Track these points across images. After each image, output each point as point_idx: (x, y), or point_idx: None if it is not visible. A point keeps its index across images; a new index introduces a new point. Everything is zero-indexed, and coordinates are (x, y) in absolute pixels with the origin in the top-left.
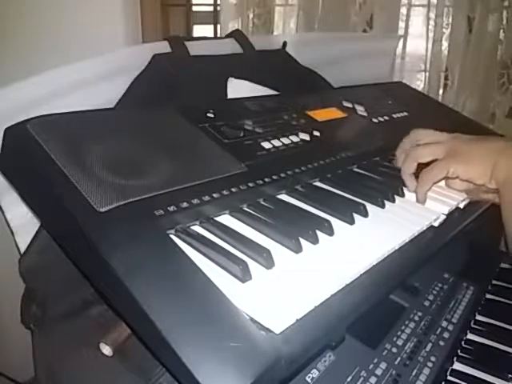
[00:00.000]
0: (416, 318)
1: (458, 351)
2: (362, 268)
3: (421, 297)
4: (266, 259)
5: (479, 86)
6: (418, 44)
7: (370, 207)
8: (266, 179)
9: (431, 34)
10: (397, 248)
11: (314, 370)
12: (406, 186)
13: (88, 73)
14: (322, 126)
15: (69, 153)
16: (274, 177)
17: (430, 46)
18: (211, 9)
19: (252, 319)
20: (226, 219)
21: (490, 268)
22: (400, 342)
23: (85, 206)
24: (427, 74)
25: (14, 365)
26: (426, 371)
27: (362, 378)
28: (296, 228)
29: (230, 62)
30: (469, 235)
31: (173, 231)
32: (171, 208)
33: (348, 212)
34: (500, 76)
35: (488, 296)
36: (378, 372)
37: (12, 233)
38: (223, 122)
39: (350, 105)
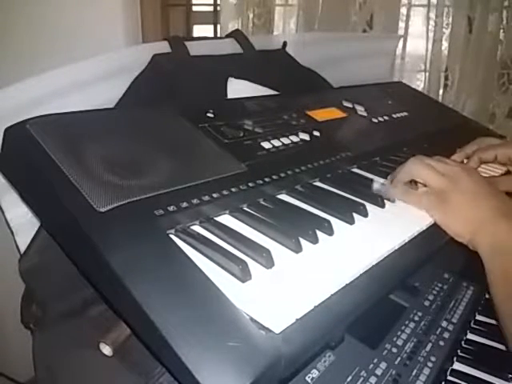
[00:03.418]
0: (416, 318)
1: (458, 351)
2: (362, 268)
3: (421, 297)
4: (266, 259)
5: (479, 86)
6: (418, 44)
7: (369, 207)
8: (266, 179)
9: (431, 34)
10: (397, 248)
11: (314, 370)
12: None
13: (88, 73)
14: (322, 126)
15: (69, 153)
16: (274, 177)
17: (429, 46)
18: (211, 9)
19: (252, 319)
20: (226, 219)
21: None
22: (400, 342)
23: (85, 206)
24: (427, 74)
25: (14, 365)
26: (426, 371)
27: (361, 378)
28: (296, 228)
29: (230, 62)
30: None
31: (173, 231)
32: (171, 208)
33: (348, 212)
34: (500, 76)
35: (488, 296)
36: (378, 372)
37: (12, 233)
38: (223, 122)
39: (350, 105)
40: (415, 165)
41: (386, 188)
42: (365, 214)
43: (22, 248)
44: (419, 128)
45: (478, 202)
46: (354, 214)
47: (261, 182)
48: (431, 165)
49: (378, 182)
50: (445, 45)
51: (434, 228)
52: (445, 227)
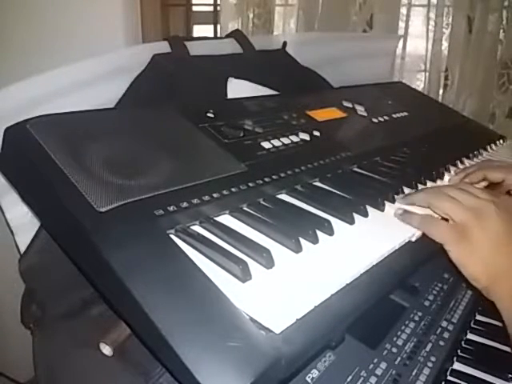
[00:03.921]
0: (416, 318)
1: (458, 351)
2: (362, 268)
3: (421, 297)
4: (266, 259)
5: (479, 86)
6: (418, 44)
7: (370, 207)
8: (266, 179)
9: (431, 34)
10: (397, 248)
11: (314, 370)
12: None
13: (88, 73)
14: (322, 126)
15: (69, 153)
16: (274, 177)
17: (429, 46)
18: (211, 9)
19: (252, 319)
20: (225, 219)
21: None
22: (400, 342)
23: (85, 206)
24: (427, 74)
25: (14, 365)
26: (426, 371)
27: (362, 378)
28: (296, 228)
29: (230, 62)
30: None
31: (173, 231)
32: (171, 208)
33: (348, 212)
34: (500, 76)
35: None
36: (378, 372)
37: (12, 233)
38: (223, 122)
39: (350, 105)
40: (436, 195)
41: (403, 213)
42: (365, 214)
43: (22, 248)
44: (419, 128)
45: (502, 245)
46: (354, 214)
47: (261, 182)
48: (454, 197)
49: (400, 209)
50: (445, 45)
51: None
52: (460, 266)
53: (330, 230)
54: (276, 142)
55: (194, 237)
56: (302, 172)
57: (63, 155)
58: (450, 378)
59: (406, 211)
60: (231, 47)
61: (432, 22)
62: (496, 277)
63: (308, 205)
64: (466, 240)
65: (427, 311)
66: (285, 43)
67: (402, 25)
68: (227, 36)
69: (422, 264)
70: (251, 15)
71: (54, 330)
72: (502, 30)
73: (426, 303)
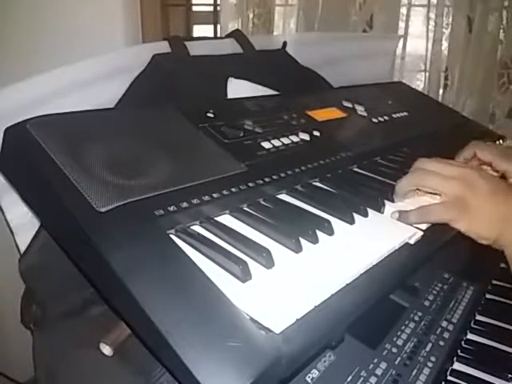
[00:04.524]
0: (416, 318)
1: (458, 351)
2: (362, 268)
3: (421, 297)
4: (266, 259)
5: (479, 86)
6: (418, 44)
7: (369, 207)
8: (266, 179)
9: (431, 34)
10: (397, 248)
11: (314, 370)
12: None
13: (88, 73)
14: (322, 126)
15: (69, 153)
16: (274, 177)
17: (429, 46)
18: (211, 9)
19: (252, 319)
20: (226, 219)
21: (490, 268)
22: (400, 342)
23: (85, 206)
24: (427, 74)
25: (14, 365)
26: (426, 371)
27: (361, 378)
28: (296, 228)
29: (230, 62)
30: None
31: (173, 231)
32: (171, 208)
33: (348, 212)
34: (500, 76)
35: (488, 296)
36: (378, 372)
37: (12, 233)
38: (223, 122)
39: (350, 105)
40: (419, 175)
41: (399, 215)
42: (365, 214)
43: (22, 248)
44: (419, 128)
45: (498, 200)
46: (354, 214)
47: (261, 181)
48: (436, 171)
49: (395, 212)
50: (445, 45)
51: (435, 228)
52: (469, 233)
53: (329, 230)
54: (276, 142)
55: (194, 237)
56: (302, 172)
57: (63, 155)
58: (449, 378)
59: (401, 212)
60: (231, 47)
61: (432, 22)
62: (503, 228)
63: (308, 205)
64: (466, 211)
65: (427, 311)
66: (285, 43)
67: (401, 25)
68: (227, 36)
69: (422, 264)
70: (251, 15)
71: (54, 330)
72: (502, 30)
73: (426, 303)
